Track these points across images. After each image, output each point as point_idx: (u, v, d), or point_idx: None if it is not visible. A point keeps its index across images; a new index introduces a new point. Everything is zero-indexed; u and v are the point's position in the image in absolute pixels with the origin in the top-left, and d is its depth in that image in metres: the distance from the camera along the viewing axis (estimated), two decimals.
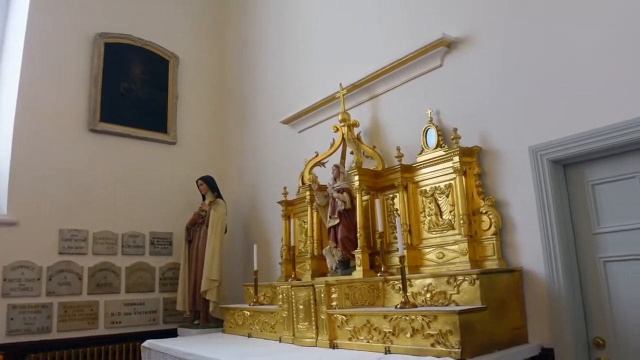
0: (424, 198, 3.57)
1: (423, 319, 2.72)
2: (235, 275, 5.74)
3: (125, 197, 5.68)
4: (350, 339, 3.16)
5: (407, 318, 2.80)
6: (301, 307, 3.53)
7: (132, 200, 5.73)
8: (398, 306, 2.97)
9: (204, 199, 5.52)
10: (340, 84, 4.27)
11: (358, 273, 3.53)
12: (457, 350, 2.54)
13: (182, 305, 5.27)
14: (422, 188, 3.60)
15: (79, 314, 5.20)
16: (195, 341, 4.10)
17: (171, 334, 5.03)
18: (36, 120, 5.26)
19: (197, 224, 5.36)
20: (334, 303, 3.31)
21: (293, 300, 3.62)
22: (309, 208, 4.27)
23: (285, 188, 4.82)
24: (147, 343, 4.25)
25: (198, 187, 5.54)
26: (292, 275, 4.21)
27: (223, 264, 5.21)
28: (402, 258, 3.07)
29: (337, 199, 3.81)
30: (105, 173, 5.61)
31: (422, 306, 3.00)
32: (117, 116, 5.82)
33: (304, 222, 4.61)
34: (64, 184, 5.31)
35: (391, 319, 2.89)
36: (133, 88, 6.04)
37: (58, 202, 5.25)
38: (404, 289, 3.01)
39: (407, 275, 3.08)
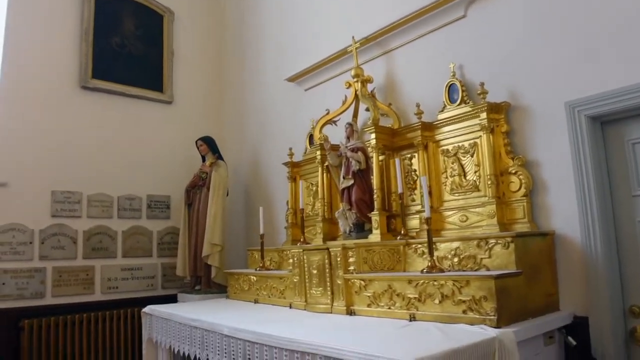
0: (445, 158, 3.36)
1: (454, 284, 2.53)
2: (236, 240, 5.54)
3: (120, 159, 5.42)
4: (369, 306, 2.98)
5: (436, 283, 2.62)
6: (314, 271, 3.34)
7: (128, 161, 5.47)
8: (424, 270, 2.79)
9: (203, 160, 5.27)
10: (353, 37, 3.99)
11: (375, 236, 3.34)
12: (492, 317, 2.37)
13: (182, 271, 5.08)
14: (443, 147, 3.38)
15: (74, 279, 5.00)
16: (199, 307, 3.91)
17: (171, 299, 4.85)
18: (24, 77, 4.94)
19: (198, 187, 5.12)
20: (351, 267, 3.13)
21: (305, 265, 3.43)
22: (319, 169, 4.04)
23: (290, 149, 4.59)
24: (148, 309, 4.05)
25: (197, 148, 5.28)
26: (301, 240, 4.01)
27: (225, 228, 4.99)
28: (428, 220, 2.87)
29: (351, 159, 3.58)
30: (99, 133, 5.33)
31: (449, 271, 2.82)
32: (110, 73, 5.50)
33: (312, 184, 4.40)
34: (55, 144, 5.03)
35: (417, 284, 2.71)
36: (126, 44, 5.70)
37: (49, 163, 4.98)
38: (431, 253, 2.83)
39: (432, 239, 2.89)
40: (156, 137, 5.71)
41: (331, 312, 3.19)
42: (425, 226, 3.27)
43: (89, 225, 5.15)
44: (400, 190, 3.34)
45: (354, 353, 2.06)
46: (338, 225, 4.00)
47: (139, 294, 5.31)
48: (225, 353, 2.95)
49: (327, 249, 3.27)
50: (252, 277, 4.11)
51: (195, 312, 3.57)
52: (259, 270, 4.10)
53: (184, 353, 3.49)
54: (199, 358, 3.27)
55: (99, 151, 5.29)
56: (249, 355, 2.73)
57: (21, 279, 4.74)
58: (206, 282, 4.87)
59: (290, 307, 3.58)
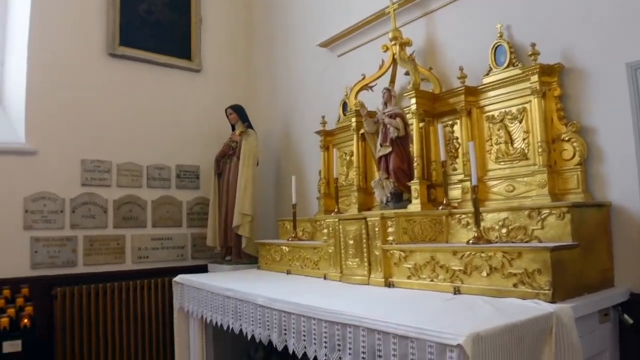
0: (490, 124, 3.18)
1: (504, 256, 2.38)
2: (266, 211, 5.44)
3: (149, 127, 5.34)
4: (409, 278, 2.86)
5: (484, 255, 2.47)
6: (351, 242, 3.22)
7: (157, 130, 5.39)
8: (470, 242, 2.65)
9: (233, 129, 5.16)
10: None
11: (415, 206, 3.19)
12: (547, 291, 2.21)
13: (213, 241, 5.01)
14: (488, 113, 3.19)
15: (105, 248, 4.98)
16: (231, 277, 3.84)
17: (201, 270, 4.79)
18: (51, 44, 4.85)
19: (227, 156, 5.01)
20: (390, 238, 2.99)
21: (341, 235, 3.31)
22: (354, 136, 3.88)
23: (323, 117, 4.43)
24: (179, 278, 4.00)
25: (227, 116, 5.16)
26: (335, 210, 3.89)
27: (255, 198, 4.89)
28: (474, 188, 2.71)
29: (389, 126, 3.42)
30: (127, 101, 5.25)
31: (496, 243, 2.67)
32: (137, 40, 5.39)
33: (346, 153, 4.26)
34: (84, 112, 4.96)
35: (462, 255, 2.57)
36: (153, 10, 5.57)
37: (78, 131, 4.92)
38: (477, 223, 2.67)
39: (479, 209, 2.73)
40: (184, 106, 5.61)
41: (368, 284, 3.08)
42: (468, 196, 3.13)
43: (119, 194, 5.11)
44: (442, 158, 3.17)
45: (401, 326, 1.93)
46: (373, 195, 3.87)
47: (169, 264, 5.28)
48: (260, 323, 2.86)
49: (365, 218, 3.14)
50: (284, 247, 4.01)
51: (228, 281, 3.49)
52: (292, 240, 3.99)
53: (216, 323, 3.43)
54: (231, 328, 3.20)
55: (128, 120, 5.21)
56: (284, 326, 2.64)
57: (53, 248, 4.73)
58: (236, 252, 4.80)
59: (325, 278, 3.47)
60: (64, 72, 4.90)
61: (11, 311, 4.09)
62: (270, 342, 2.80)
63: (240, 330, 3.07)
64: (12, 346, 3.94)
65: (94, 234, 4.94)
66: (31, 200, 4.66)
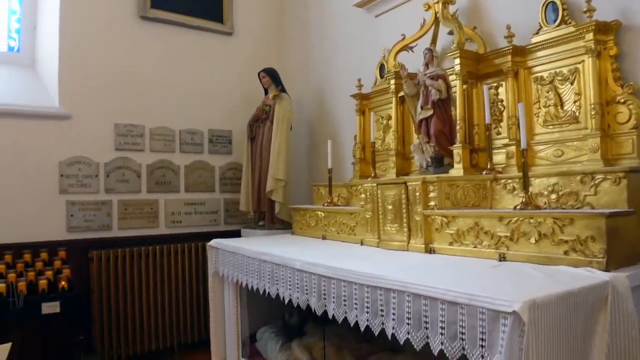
0: (539, 86, 3.03)
1: (555, 223, 2.28)
2: (298, 176, 5.38)
3: (181, 92, 5.29)
4: (451, 244, 2.78)
5: (532, 221, 2.37)
6: (390, 207, 3.14)
7: (189, 94, 5.34)
8: (518, 207, 2.55)
9: (266, 93, 5.07)
10: None
11: (457, 171, 3.09)
12: (601, 259, 2.11)
13: (246, 206, 4.99)
14: (537, 74, 3.04)
15: (139, 212, 5.01)
16: (266, 241, 3.81)
17: (233, 235, 4.78)
18: (84, 8, 4.81)
19: (261, 120, 4.94)
20: (432, 203, 2.91)
21: (379, 200, 3.23)
22: (393, 99, 3.77)
23: (359, 80, 4.31)
24: (214, 242, 3.99)
25: (260, 80, 5.07)
26: (372, 175, 3.80)
27: (289, 163, 4.83)
28: (524, 151, 2.58)
29: (430, 88, 3.29)
30: (159, 65, 5.20)
31: (545, 209, 2.56)
32: (169, 2, 5.30)
33: (382, 117, 4.14)
34: (116, 76, 4.94)
35: (509, 221, 2.47)
36: None
37: (111, 95, 4.91)
38: (526, 188, 2.56)
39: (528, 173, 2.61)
40: (217, 69, 5.54)
41: (407, 250, 3.01)
42: (512, 161, 3.02)
43: (152, 159, 5.11)
44: (487, 121, 3.04)
45: (450, 291, 1.86)
46: (411, 160, 3.79)
47: (201, 229, 5.31)
48: (298, 288, 2.83)
49: (405, 183, 3.05)
50: (319, 212, 3.96)
51: (263, 246, 3.47)
52: (327, 206, 3.94)
53: (251, 286, 3.42)
54: (267, 292, 3.19)
55: (160, 84, 5.17)
56: (324, 290, 2.60)
57: (88, 212, 4.78)
58: (270, 217, 4.77)
59: (362, 244, 3.41)
60: (96, 35, 4.86)
61: (49, 274, 4.15)
62: (306, 307, 2.77)
63: (277, 295, 3.05)
64: (51, 307, 4.01)
65: (128, 199, 4.97)
66: (66, 165, 4.69)
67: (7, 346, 2.47)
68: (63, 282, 4.13)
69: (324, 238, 3.86)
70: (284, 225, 4.72)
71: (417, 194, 2.95)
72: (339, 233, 3.73)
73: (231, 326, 4.04)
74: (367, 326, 2.29)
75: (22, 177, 4.48)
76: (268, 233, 4.61)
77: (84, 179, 4.77)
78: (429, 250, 2.88)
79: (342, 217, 3.69)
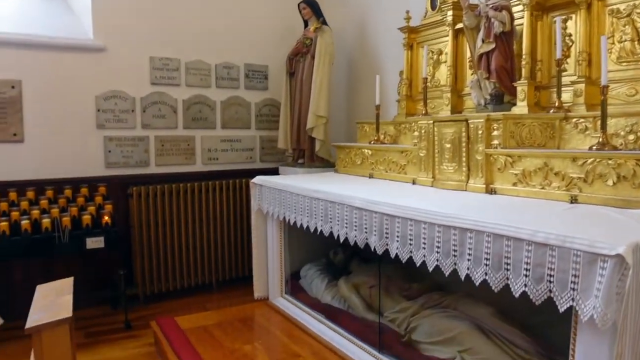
0: (614, 19, 2.82)
1: (637, 164, 2.17)
2: (338, 113, 5.24)
3: (216, 24, 5.09)
4: (515, 184, 2.69)
5: (611, 162, 2.26)
6: (447, 145, 3.04)
7: (225, 27, 5.14)
8: (594, 148, 2.43)
9: (306, 25, 4.87)
10: None
11: (520, 109, 2.95)
12: None
13: (284, 144, 4.90)
14: (613, 7, 2.83)
15: (176, 149, 4.96)
16: (313, 179, 3.75)
17: (270, 172, 4.72)
18: None
19: (301, 54, 4.76)
20: (495, 142, 2.80)
21: (435, 138, 3.13)
22: (450, 32, 3.58)
23: (407, 12, 4.10)
24: (258, 179, 3.94)
25: (300, 12, 4.85)
26: (423, 112, 3.68)
27: (330, 99, 4.69)
28: (604, 88, 2.44)
29: (493, 19, 3.10)
30: None
31: (622, 149, 2.44)
32: None
33: (432, 51, 3.96)
34: (150, 7, 4.75)
35: (584, 162, 2.36)
36: None
37: (146, 27, 4.74)
38: (604, 128, 2.44)
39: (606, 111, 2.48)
40: (254, 0, 5.31)
41: (465, 190, 2.93)
42: (580, 100, 2.87)
43: (188, 94, 5.00)
44: (558, 56, 2.87)
45: (540, 233, 1.79)
46: (463, 98, 3.64)
47: (238, 166, 5.26)
48: (356, 226, 2.78)
49: (466, 120, 2.93)
50: (366, 150, 3.87)
51: (312, 183, 3.41)
52: (374, 143, 3.84)
53: (300, 224, 3.39)
54: (319, 230, 3.15)
55: (195, 15, 4.98)
56: (387, 229, 2.55)
57: (126, 147, 4.74)
58: (309, 155, 4.68)
59: (414, 183, 3.33)
60: None
61: (92, 209, 4.15)
62: (352, 246, 2.73)
63: (321, 233, 3.02)
64: (95, 242, 4.03)
65: (164, 134, 4.90)
66: (103, 99, 4.61)
67: (71, 280, 2.47)
68: (106, 218, 4.14)
69: (370, 177, 3.78)
70: (324, 164, 4.64)
71: (480, 132, 2.83)
72: (387, 172, 3.65)
73: (274, 263, 4.06)
74: (415, 267, 2.24)
75: (60, 112, 4.42)
76: (308, 171, 4.54)
77: (120, 114, 4.70)
78: (490, 191, 2.79)
79: (392, 155, 3.60)
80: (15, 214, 3.84)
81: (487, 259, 1.99)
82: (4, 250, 3.67)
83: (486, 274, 1.99)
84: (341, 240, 2.94)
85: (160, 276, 4.73)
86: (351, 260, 3.83)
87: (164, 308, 4.52)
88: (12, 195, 4.08)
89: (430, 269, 2.28)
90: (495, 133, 2.80)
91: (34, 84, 4.30)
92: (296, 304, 3.89)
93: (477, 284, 2.04)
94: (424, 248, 2.30)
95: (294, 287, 4.07)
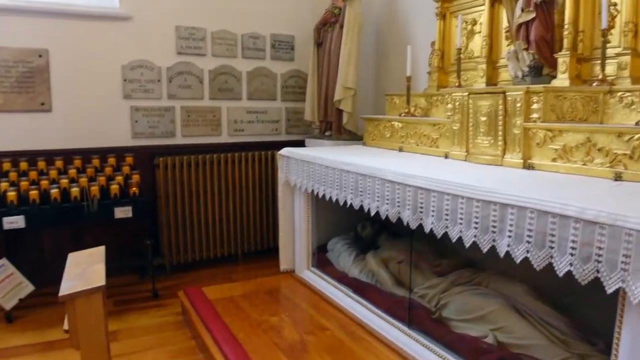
0: None
1: None
2: (365, 85, 5.13)
3: None
4: (554, 160, 2.59)
5: None
6: (483, 119, 2.95)
7: None
8: None
9: None
10: None
11: (561, 81, 2.84)
12: None
13: (311, 115, 4.83)
14: None
15: (202, 120, 4.93)
16: (343, 152, 3.68)
17: (297, 145, 4.67)
18: None
19: (329, 24, 4.65)
20: (534, 116, 2.70)
21: (470, 111, 3.04)
22: (486, 1, 3.45)
23: None
24: (285, 151, 3.90)
25: None
26: (456, 84, 3.57)
27: (359, 70, 4.59)
28: None
29: None
30: None
31: None
32: None
33: (466, 21, 3.82)
34: None
35: (630, 138, 2.26)
36: None
37: None
38: None
39: None
40: None
41: (501, 165, 2.84)
42: (625, 72, 2.74)
43: (214, 64, 4.94)
44: (604, 26, 2.73)
45: (588, 210, 1.71)
46: (498, 70, 3.52)
47: (264, 138, 5.22)
48: (388, 200, 2.73)
49: (503, 92, 2.83)
50: (396, 123, 3.78)
51: (342, 156, 3.35)
52: (404, 116, 3.75)
53: (329, 197, 3.34)
54: (349, 203, 3.10)
55: None
56: (421, 204, 2.49)
57: (152, 118, 4.72)
58: (337, 128, 4.61)
59: (446, 157, 3.25)
60: None
61: (119, 179, 4.16)
62: (379, 220, 2.68)
63: (350, 206, 2.97)
64: (123, 212, 4.04)
65: (190, 105, 4.87)
66: (129, 69, 4.58)
67: (102, 248, 2.47)
68: (134, 188, 4.14)
69: (400, 150, 3.71)
70: (351, 137, 4.57)
71: (518, 105, 2.74)
72: (418, 145, 3.57)
73: (301, 235, 4.04)
74: (445, 243, 2.18)
75: (87, 81, 4.41)
76: (335, 144, 4.47)
77: (146, 84, 4.67)
78: (527, 166, 2.71)
79: (424, 128, 3.51)
80: (44, 183, 3.86)
81: (529, 237, 1.92)
82: (34, 218, 3.70)
83: (528, 251, 1.93)
84: (372, 214, 2.89)
85: (186, 246, 4.75)
86: (379, 235, 3.79)
87: (190, 278, 4.56)
88: (42, 164, 4.10)
89: (467, 245, 2.22)
90: (534, 106, 2.70)
91: (61, 53, 4.29)
92: (323, 277, 3.87)
93: (518, 262, 1.98)
94: (461, 224, 2.24)
95: (321, 260, 4.06)
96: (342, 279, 3.71)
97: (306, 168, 3.59)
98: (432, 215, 2.41)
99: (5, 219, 3.58)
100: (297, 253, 4.12)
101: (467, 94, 3.06)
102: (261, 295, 3.76)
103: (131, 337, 3.54)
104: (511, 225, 1.99)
